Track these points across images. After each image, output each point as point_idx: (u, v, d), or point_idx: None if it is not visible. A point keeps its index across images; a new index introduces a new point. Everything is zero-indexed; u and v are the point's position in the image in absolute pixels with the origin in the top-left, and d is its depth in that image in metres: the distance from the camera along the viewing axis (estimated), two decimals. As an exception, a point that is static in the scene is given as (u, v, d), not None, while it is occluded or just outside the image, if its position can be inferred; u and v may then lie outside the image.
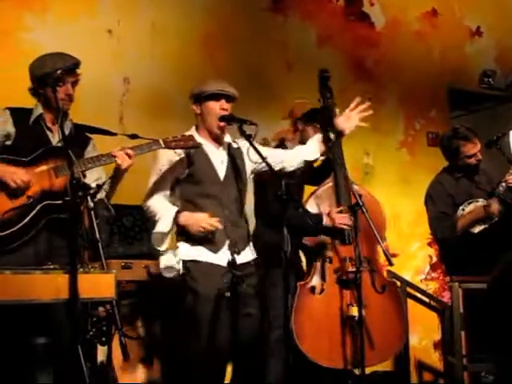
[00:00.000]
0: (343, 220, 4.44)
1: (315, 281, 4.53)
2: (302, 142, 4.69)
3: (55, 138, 3.76)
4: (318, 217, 4.50)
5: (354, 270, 4.36)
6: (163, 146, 3.73)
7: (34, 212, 3.56)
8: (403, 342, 4.81)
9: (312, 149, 4.29)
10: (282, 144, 4.80)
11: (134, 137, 3.78)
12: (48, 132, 3.76)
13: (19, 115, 3.75)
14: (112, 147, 3.75)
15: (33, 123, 3.75)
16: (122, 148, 3.66)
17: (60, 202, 3.54)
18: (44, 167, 3.63)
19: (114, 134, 3.79)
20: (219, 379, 3.94)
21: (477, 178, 5.10)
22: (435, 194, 5.07)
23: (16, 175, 3.55)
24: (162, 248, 3.97)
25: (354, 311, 4.36)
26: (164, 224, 3.94)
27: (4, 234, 3.51)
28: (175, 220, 3.92)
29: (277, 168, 4.14)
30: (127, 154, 3.64)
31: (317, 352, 4.40)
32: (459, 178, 5.08)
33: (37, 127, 3.75)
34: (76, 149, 3.66)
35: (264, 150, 4.04)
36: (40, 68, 3.69)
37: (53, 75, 3.62)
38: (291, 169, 4.27)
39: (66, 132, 3.68)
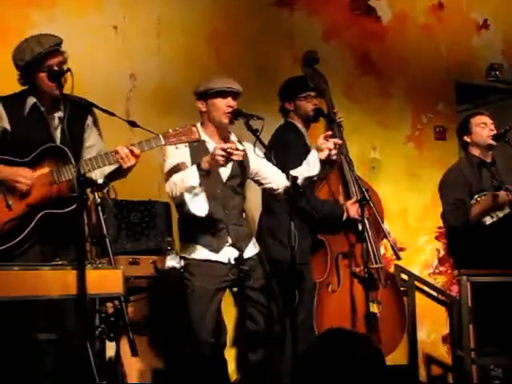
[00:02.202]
0: (358, 211, 4.46)
1: (331, 277, 4.55)
2: (305, 117, 4.68)
3: (54, 126, 3.65)
4: (341, 207, 4.54)
5: (377, 266, 4.46)
6: (163, 142, 3.58)
7: (33, 223, 3.47)
8: (405, 331, 4.86)
9: (312, 163, 4.14)
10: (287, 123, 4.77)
11: (133, 124, 3.63)
12: (46, 121, 3.64)
13: (12, 106, 3.64)
14: (113, 138, 3.72)
15: (28, 113, 3.64)
16: (126, 146, 3.53)
17: (59, 211, 3.48)
18: (43, 170, 3.53)
19: (112, 114, 3.62)
20: (224, 373, 3.98)
21: (493, 169, 5.08)
22: (453, 181, 5.03)
23: (20, 177, 3.47)
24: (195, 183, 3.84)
25: (375, 308, 4.40)
26: (191, 178, 3.81)
27: (4, 247, 3.44)
28: (200, 169, 3.79)
29: (264, 186, 4.18)
30: (132, 152, 3.50)
31: None
32: (477, 167, 5.04)
33: (33, 117, 3.63)
34: (75, 128, 3.54)
35: (258, 161, 4.10)
36: (20, 58, 3.57)
37: (34, 63, 3.52)
38: (278, 191, 4.18)
39: (61, 113, 3.60)
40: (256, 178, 4.19)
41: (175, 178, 3.87)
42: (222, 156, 3.71)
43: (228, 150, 3.71)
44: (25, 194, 3.50)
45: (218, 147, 3.75)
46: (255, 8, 5.92)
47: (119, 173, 3.65)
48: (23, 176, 3.49)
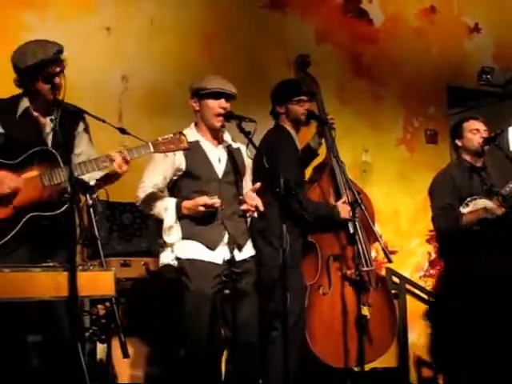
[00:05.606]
0: (349, 212, 4.49)
1: (322, 280, 4.56)
2: (295, 121, 4.67)
3: (45, 131, 3.62)
4: (335, 207, 4.58)
5: (367, 269, 4.48)
6: (152, 150, 3.58)
7: (19, 225, 3.44)
8: (396, 333, 4.87)
9: None
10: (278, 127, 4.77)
11: (122, 131, 3.61)
12: (38, 125, 3.62)
13: (4, 109, 3.62)
14: (105, 142, 3.71)
15: (20, 117, 3.62)
16: (119, 152, 3.51)
17: (47, 214, 3.46)
18: (32, 173, 3.49)
19: (103, 121, 3.58)
20: (215, 376, 3.97)
21: (483, 174, 5.09)
22: (443, 185, 5.02)
23: (3, 183, 3.43)
24: (174, 240, 3.93)
25: (366, 311, 4.41)
26: (169, 217, 3.92)
27: None
28: (178, 211, 3.91)
29: None
30: (124, 159, 3.50)
31: (327, 353, 4.46)
32: (467, 171, 5.05)
33: (25, 121, 3.61)
34: (66, 134, 3.51)
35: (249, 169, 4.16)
36: (22, 61, 3.52)
37: (35, 68, 3.48)
38: None
39: (53, 118, 3.56)
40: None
41: (155, 202, 3.97)
42: (205, 208, 3.86)
43: (211, 205, 3.85)
44: (9, 196, 3.46)
45: (202, 202, 3.85)
46: (247, 10, 5.94)
47: (109, 178, 3.64)
48: (8, 183, 3.44)
